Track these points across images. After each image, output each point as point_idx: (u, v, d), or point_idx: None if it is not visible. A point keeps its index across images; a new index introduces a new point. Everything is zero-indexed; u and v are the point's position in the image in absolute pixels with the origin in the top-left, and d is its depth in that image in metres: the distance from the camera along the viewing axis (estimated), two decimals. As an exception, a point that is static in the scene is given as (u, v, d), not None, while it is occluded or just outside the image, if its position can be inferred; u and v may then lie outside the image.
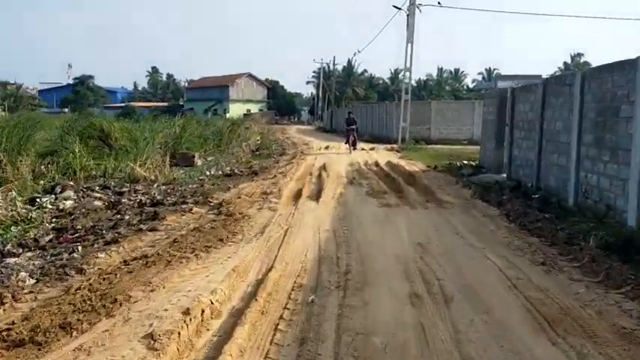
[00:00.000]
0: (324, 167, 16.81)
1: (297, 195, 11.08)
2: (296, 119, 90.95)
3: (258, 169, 18.24)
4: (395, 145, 26.17)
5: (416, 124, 28.90)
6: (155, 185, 14.00)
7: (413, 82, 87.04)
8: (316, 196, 10.93)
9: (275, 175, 15.21)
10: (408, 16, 24.87)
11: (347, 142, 23.20)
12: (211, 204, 10.40)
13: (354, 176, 14.23)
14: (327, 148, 26.20)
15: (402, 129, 25.83)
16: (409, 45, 25.02)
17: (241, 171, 17.99)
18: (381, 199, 10.40)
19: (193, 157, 22.07)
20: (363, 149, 24.80)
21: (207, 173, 17.64)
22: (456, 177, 13.84)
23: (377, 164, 17.78)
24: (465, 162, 17.67)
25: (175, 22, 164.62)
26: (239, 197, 10.81)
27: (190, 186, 14.10)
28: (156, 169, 16.33)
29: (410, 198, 10.52)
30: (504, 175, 13.56)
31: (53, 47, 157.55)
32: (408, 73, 25.19)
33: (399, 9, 25.04)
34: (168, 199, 11.24)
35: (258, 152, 27.28)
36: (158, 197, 11.35)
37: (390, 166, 17.34)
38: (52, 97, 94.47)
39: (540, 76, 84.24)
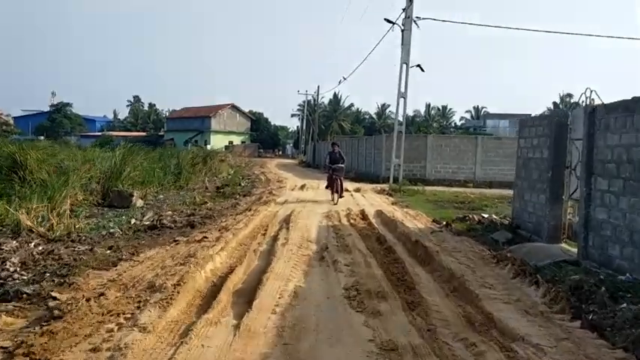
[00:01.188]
0: (288, 220, 11.40)
1: (210, 294, 5.61)
2: (280, 152, 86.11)
3: (200, 218, 12.99)
4: (385, 186, 20.93)
5: (409, 161, 23.73)
6: (32, 244, 8.97)
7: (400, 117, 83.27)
8: (244, 299, 5.47)
9: (211, 232, 9.84)
10: (402, 31, 19.97)
11: (329, 186, 15.69)
12: (49, 305, 5.15)
13: (328, 242, 8.77)
14: (302, 187, 20.80)
15: (394, 166, 20.63)
16: (404, 66, 20.06)
17: (175, 221, 12.68)
18: (375, 317, 4.84)
19: (131, 196, 16.66)
20: (346, 190, 19.55)
21: (133, 221, 12.44)
22: (489, 247, 8.56)
23: (364, 216, 12.35)
24: (485, 216, 12.40)
25: (161, 52, 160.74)
26: (99, 296, 5.37)
27: (79, 247, 8.97)
28: (58, 215, 11.11)
29: (435, 315, 4.95)
30: (566, 246, 8.33)
31: (40, 74, 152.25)
32: (402, 100, 20.14)
33: (393, 23, 20.13)
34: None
35: (222, 190, 22.01)
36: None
37: (382, 220, 11.97)
38: (28, 124, 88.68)
39: (530, 114, 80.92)
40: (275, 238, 9.14)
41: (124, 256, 7.89)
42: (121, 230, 10.98)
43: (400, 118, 20.55)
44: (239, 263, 6.99)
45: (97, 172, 17.84)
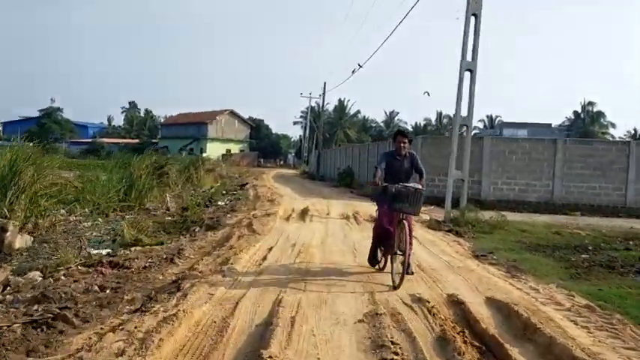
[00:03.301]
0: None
1: None
2: (282, 162, 77.84)
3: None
4: (437, 213, 12.64)
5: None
6: None
7: (409, 126, 74.86)
8: None
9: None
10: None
11: (380, 242, 6.53)
12: None
13: None
14: (303, 215, 12.47)
15: (451, 183, 12.22)
16: (471, 19, 11.87)
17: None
18: None
19: (4, 231, 8.42)
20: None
21: None
22: None
23: (481, 337, 4.17)
24: None
25: (159, 57, 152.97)
26: None
27: None
28: None
29: None
30: None
31: (40, 81, 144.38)
32: (467, 74, 11.86)
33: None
34: None
35: (186, 213, 13.95)
36: None
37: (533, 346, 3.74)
38: (17, 130, 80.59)
39: (550, 124, 72.49)
40: None
41: None
42: None
43: (464, 110, 12.13)
44: None
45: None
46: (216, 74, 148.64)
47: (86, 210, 13.57)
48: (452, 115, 73.55)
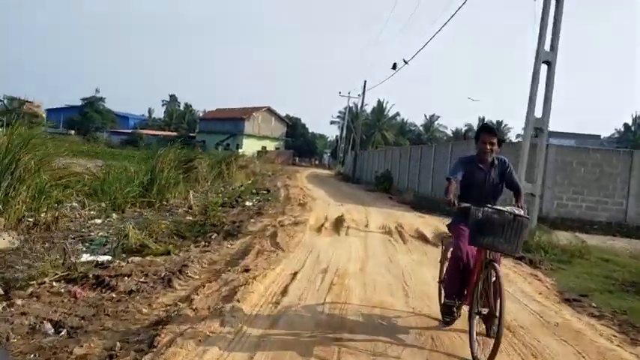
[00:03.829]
0: None
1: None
2: (317, 162, 76.10)
3: None
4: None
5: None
6: None
7: (449, 131, 71.66)
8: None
9: None
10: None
11: (452, 292, 4.26)
12: None
13: None
14: (338, 224, 10.54)
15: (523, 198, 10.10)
16: None
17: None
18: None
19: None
20: (418, 236, 9.36)
21: None
22: None
23: None
24: None
25: (201, 51, 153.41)
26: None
27: None
28: None
29: None
30: None
31: (88, 72, 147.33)
32: (545, 67, 9.64)
33: None
34: None
35: (208, 214, 12.31)
36: None
37: None
38: (60, 117, 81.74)
39: (599, 136, 68.17)
40: None
41: None
42: None
43: (539, 110, 9.89)
44: None
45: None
46: (256, 72, 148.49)
47: (103, 204, 12.12)
48: (493, 122, 69.19)
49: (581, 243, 9.24)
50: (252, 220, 11.17)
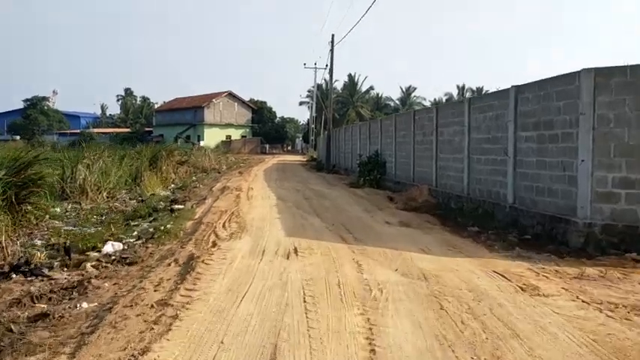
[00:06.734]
0: None
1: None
2: (289, 148, 67.11)
3: None
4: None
5: (540, 166, 5.13)
6: None
7: (427, 103, 62.90)
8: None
9: None
10: None
11: None
12: None
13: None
14: None
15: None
16: None
17: None
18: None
19: None
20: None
21: None
22: None
23: None
24: None
25: (156, 40, 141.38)
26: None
27: None
28: None
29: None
30: None
31: (40, 73, 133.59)
32: None
33: None
34: None
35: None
36: None
37: None
38: (3, 123, 70.87)
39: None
40: None
41: None
42: None
43: None
44: None
45: None
46: (214, 57, 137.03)
47: None
48: (474, 89, 59.92)
49: None
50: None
